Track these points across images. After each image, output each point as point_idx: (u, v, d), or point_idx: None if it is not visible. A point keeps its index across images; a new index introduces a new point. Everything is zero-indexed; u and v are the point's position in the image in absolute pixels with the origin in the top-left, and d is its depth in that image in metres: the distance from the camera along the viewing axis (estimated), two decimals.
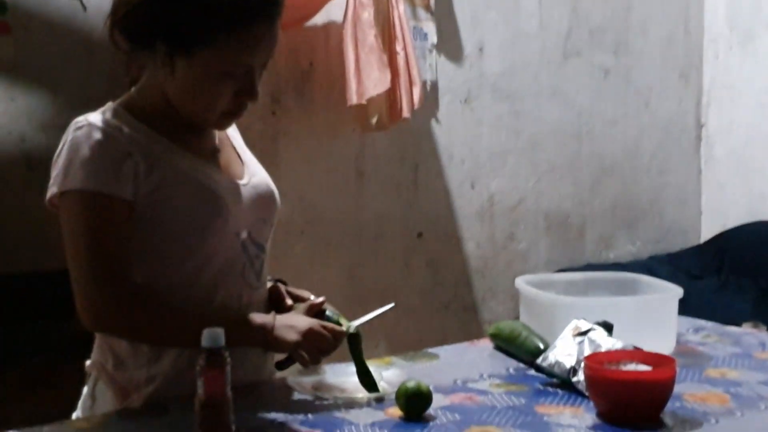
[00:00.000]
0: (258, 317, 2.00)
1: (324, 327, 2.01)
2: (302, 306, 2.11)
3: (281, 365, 2.08)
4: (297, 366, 2.11)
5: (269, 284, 2.18)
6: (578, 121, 4.82)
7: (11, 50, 6.71)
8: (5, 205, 6.36)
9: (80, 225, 1.92)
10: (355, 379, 2.08)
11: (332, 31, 3.98)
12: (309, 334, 1.98)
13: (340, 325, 2.06)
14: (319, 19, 3.98)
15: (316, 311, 2.08)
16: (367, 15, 3.82)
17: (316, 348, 1.99)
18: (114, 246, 1.92)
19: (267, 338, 1.98)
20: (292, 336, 1.97)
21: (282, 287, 2.18)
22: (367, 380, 2.07)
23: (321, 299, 2.12)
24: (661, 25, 5.08)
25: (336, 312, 2.10)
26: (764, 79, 5.00)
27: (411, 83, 3.95)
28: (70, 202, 1.93)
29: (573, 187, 4.83)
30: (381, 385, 2.08)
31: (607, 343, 2.13)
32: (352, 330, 2.07)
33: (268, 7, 1.95)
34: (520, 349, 2.32)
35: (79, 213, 1.92)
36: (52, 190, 1.95)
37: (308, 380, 2.13)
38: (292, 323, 2.00)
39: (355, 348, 2.08)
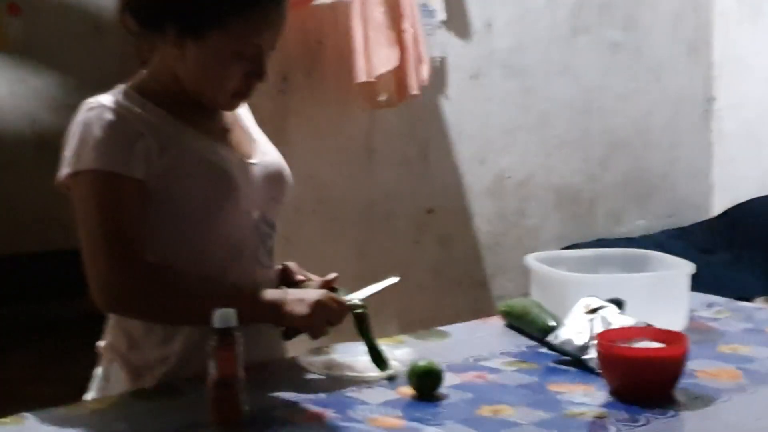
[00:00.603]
0: (269, 293, 2.02)
1: (332, 298, 2.03)
2: (314, 283, 2.12)
3: (288, 334, 2.09)
4: (308, 344, 2.13)
5: (279, 267, 2.19)
6: (588, 97, 4.81)
7: (22, 31, 6.74)
8: (16, 185, 6.40)
9: (93, 205, 1.93)
10: (366, 358, 2.08)
11: (340, 9, 3.97)
12: (318, 305, 2.00)
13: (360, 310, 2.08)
14: None
15: (328, 288, 2.09)
16: None
17: (325, 319, 2.01)
18: (127, 226, 1.93)
19: (278, 313, 2.00)
20: (303, 309, 1.99)
21: (292, 265, 2.19)
22: (378, 359, 2.07)
23: (333, 275, 2.12)
24: (670, 2, 5.06)
25: (347, 291, 2.11)
26: None
27: (419, 60, 3.95)
28: (83, 183, 1.94)
29: (583, 163, 4.83)
30: (392, 363, 2.08)
31: (618, 320, 2.14)
32: (357, 302, 2.08)
33: None
34: (531, 327, 2.32)
35: (92, 193, 1.93)
36: (65, 170, 1.96)
37: (320, 359, 2.14)
38: (302, 296, 2.02)
39: (363, 327, 2.08)
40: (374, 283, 2.21)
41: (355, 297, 2.10)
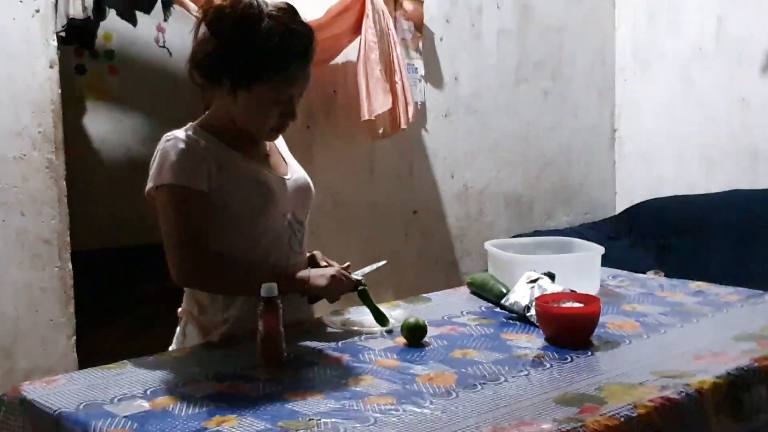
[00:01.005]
0: (299, 273, 2.02)
1: (342, 274, 2.04)
2: (333, 268, 2.12)
3: (312, 300, 2.10)
4: (328, 308, 2.14)
5: (308, 255, 2.19)
6: (526, 129, 4.81)
7: (119, 86, 6.73)
8: (116, 196, 6.40)
9: (170, 210, 1.93)
10: (372, 317, 2.09)
11: (349, 68, 3.97)
12: (333, 279, 2.02)
13: (362, 284, 2.10)
14: (339, 59, 3.98)
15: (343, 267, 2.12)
16: (374, 56, 3.81)
17: (338, 289, 2.03)
18: (195, 225, 1.93)
19: (305, 287, 2.00)
20: (322, 282, 2.01)
21: (318, 254, 2.19)
22: (380, 318, 2.08)
23: (347, 264, 2.13)
24: (585, 58, 5.06)
25: (358, 272, 2.13)
26: (659, 96, 5.00)
27: (407, 104, 3.94)
28: (163, 194, 1.94)
29: (523, 176, 4.82)
30: (390, 321, 2.09)
31: (551, 287, 2.14)
32: (359, 278, 2.09)
33: (303, 53, 1.95)
34: (489, 294, 2.33)
35: (170, 201, 1.93)
36: (150, 185, 1.96)
37: (337, 318, 2.16)
38: (322, 273, 2.04)
39: (365, 298, 2.10)
40: (371, 264, 2.23)
41: (359, 274, 2.11)
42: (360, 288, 2.09)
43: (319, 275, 2.02)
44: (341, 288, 2.04)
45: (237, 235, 1.99)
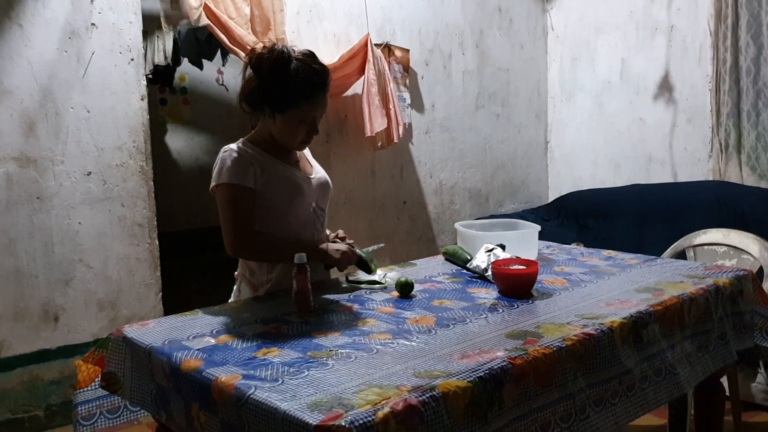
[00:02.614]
0: (321, 246, 2.01)
1: (350, 249, 2.03)
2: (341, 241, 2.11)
3: (327, 267, 2.09)
4: (340, 273, 2.12)
5: (331, 234, 2.17)
6: (484, 142, 4.79)
7: (191, 113, 6.70)
8: (189, 194, 6.39)
9: (226, 202, 1.92)
10: (375, 277, 2.09)
11: (356, 98, 3.94)
12: (344, 254, 2.00)
13: (362, 255, 2.08)
14: (349, 92, 3.94)
15: (349, 243, 2.10)
16: (374, 89, 3.79)
17: (346, 261, 2.01)
18: (244, 212, 1.92)
19: (324, 256, 1.99)
20: (336, 255, 1.99)
21: (340, 232, 2.18)
22: (375, 281, 2.08)
23: (352, 242, 2.12)
24: (525, 90, 5.03)
25: (364, 250, 2.11)
26: (579, 117, 4.98)
27: (398, 124, 3.92)
28: (221, 190, 1.93)
29: (481, 176, 4.81)
30: (386, 280, 2.08)
31: (502, 255, 2.13)
32: (362, 253, 2.08)
33: (322, 86, 1.95)
34: (458, 260, 2.32)
35: (226, 196, 1.92)
36: (212, 184, 1.95)
37: (349, 278, 2.14)
38: (337, 247, 2.02)
39: (364, 266, 2.09)
40: (376, 241, 2.22)
41: (363, 251, 2.10)
42: (362, 257, 2.07)
43: (334, 249, 2.01)
44: (349, 261, 2.03)
45: (275, 218, 1.97)
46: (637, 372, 1.65)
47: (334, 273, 2.18)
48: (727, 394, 2.60)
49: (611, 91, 4.76)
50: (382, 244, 2.26)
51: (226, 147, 1.98)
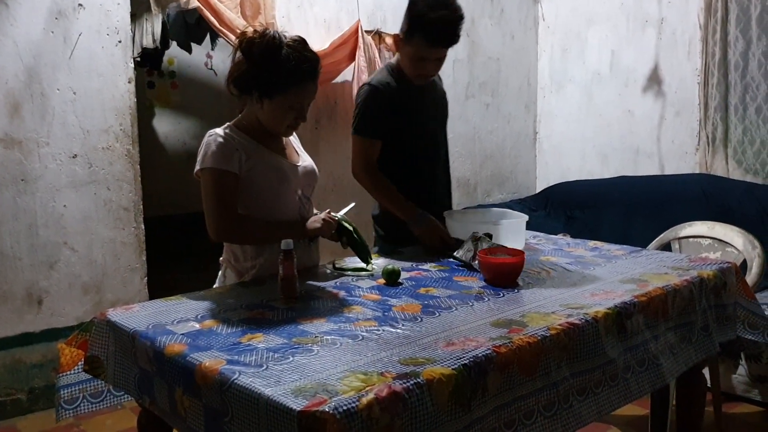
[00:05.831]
0: (301, 221, 2.02)
1: (329, 216, 2.03)
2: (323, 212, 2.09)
3: (312, 239, 2.08)
4: (328, 258, 2.11)
5: (321, 213, 2.15)
6: (474, 132, 4.79)
7: (179, 96, 6.66)
8: (175, 178, 6.36)
9: (210, 185, 1.91)
10: (362, 265, 2.08)
11: (346, 85, 3.93)
12: (324, 221, 2.00)
13: (343, 223, 2.07)
14: (339, 78, 3.93)
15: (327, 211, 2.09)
16: (364, 76, 3.77)
17: (328, 228, 2.01)
18: (227, 196, 1.91)
19: (305, 229, 2.00)
20: (317, 224, 1.99)
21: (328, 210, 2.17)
22: (362, 254, 2.08)
23: (328, 210, 2.09)
24: (515, 81, 5.04)
25: (339, 215, 2.09)
26: (568, 108, 4.99)
27: None
28: (205, 174, 1.92)
29: (471, 166, 4.81)
30: (373, 267, 2.08)
31: (489, 244, 2.13)
32: (339, 217, 2.06)
33: (312, 73, 1.93)
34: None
35: (210, 180, 1.91)
36: (197, 168, 1.94)
37: (336, 264, 2.13)
38: (315, 218, 2.02)
39: (361, 255, 2.07)
40: (363, 220, 2.20)
41: (338, 214, 2.08)
42: (344, 228, 2.04)
43: (313, 221, 2.01)
44: (330, 227, 2.02)
45: (261, 205, 1.96)
46: (621, 362, 1.66)
47: (322, 260, 2.17)
48: (709, 385, 2.63)
49: (601, 82, 4.76)
50: (353, 204, 2.24)
51: (211, 131, 1.95)
